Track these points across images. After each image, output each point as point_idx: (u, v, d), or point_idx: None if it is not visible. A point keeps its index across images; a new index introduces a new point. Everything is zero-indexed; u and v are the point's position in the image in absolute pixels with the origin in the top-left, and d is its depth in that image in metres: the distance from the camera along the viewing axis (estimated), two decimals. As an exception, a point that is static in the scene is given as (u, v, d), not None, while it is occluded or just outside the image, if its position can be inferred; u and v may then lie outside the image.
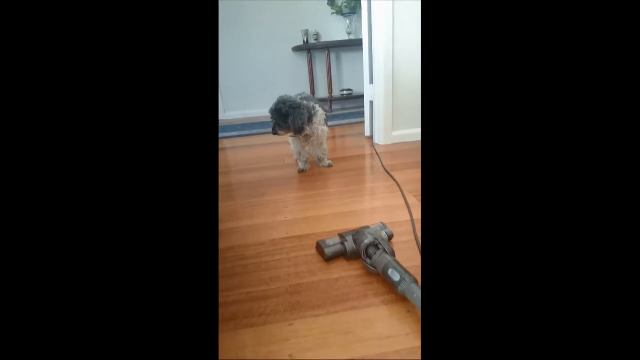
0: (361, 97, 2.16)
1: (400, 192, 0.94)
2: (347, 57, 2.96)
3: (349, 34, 2.75)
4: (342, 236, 0.65)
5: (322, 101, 2.83)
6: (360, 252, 0.60)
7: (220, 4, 2.64)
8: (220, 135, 2.14)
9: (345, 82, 3.03)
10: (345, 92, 2.88)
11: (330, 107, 2.86)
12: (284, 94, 1.08)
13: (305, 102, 1.07)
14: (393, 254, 0.58)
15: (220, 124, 2.73)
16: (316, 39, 2.79)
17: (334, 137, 1.82)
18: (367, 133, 1.70)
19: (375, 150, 1.41)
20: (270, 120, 1.09)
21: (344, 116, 2.49)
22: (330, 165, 1.25)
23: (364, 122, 1.76)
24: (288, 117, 1.02)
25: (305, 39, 2.74)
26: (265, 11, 2.72)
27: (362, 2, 1.52)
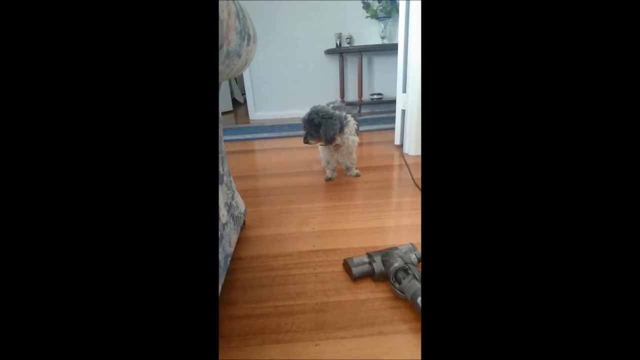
0: (392, 102, 2.12)
1: (430, 210, 0.92)
2: (379, 61, 2.92)
3: (382, 38, 2.71)
4: (370, 255, 0.65)
5: (351, 105, 2.82)
6: (389, 275, 0.59)
7: (255, 5, 2.69)
8: (249, 136, 2.19)
9: (376, 86, 2.99)
10: (375, 97, 2.85)
11: (359, 111, 2.84)
12: (317, 104, 1.09)
13: (337, 112, 1.07)
14: (423, 280, 0.56)
15: (251, 124, 2.80)
16: (349, 43, 2.78)
17: (362, 144, 1.80)
18: (397, 141, 1.67)
19: (405, 161, 1.39)
20: (301, 125, 1.10)
21: (373, 121, 2.47)
22: (357, 175, 1.24)
23: (393, 129, 1.73)
24: (320, 127, 1.02)
25: (338, 42, 2.73)
26: (299, 13, 2.75)
27: (400, 6, 1.49)
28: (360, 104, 2.78)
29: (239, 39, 0.44)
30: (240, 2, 0.49)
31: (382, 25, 2.67)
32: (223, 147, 0.73)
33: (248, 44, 0.54)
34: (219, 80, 0.51)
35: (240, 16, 0.45)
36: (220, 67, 0.41)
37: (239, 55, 0.47)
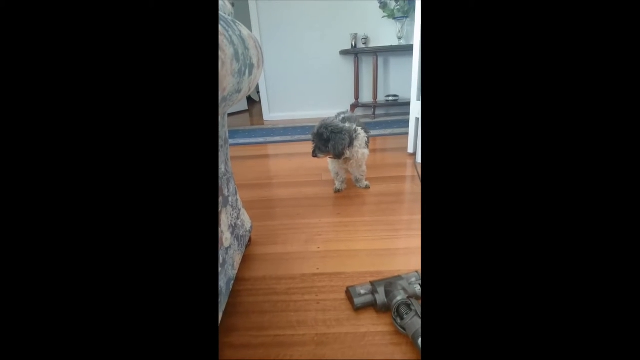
0: (407, 104, 2.06)
1: (440, 230, 0.89)
2: (395, 62, 2.86)
3: (399, 38, 2.64)
4: (373, 285, 0.63)
5: (365, 106, 2.77)
6: (391, 309, 0.58)
7: (271, 4, 2.69)
8: (262, 140, 2.20)
9: (391, 87, 2.93)
10: (390, 98, 2.79)
11: (374, 113, 2.79)
12: (326, 118, 1.07)
13: (347, 124, 1.05)
14: (426, 317, 0.55)
15: (265, 125, 2.81)
16: (365, 43, 2.72)
17: (374, 151, 1.77)
18: (410, 149, 1.64)
19: (418, 172, 1.35)
20: (311, 141, 1.09)
21: (387, 124, 2.42)
22: (367, 187, 1.22)
23: (407, 134, 1.68)
24: (329, 141, 1.01)
25: (353, 42, 2.69)
26: (315, 13, 2.72)
27: (417, 7, 1.44)
28: (375, 105, 2.74)
29: (237, 78, 0.43)
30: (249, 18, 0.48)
31: (399, 26, 2.60)
32: (230, 168, 0.73)
33: (251, 74, 0.53)
34: (219, 113, 0.50)
35: (240, 53, 0.44)
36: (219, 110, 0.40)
37: (239, 91, 0.47)
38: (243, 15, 2.99)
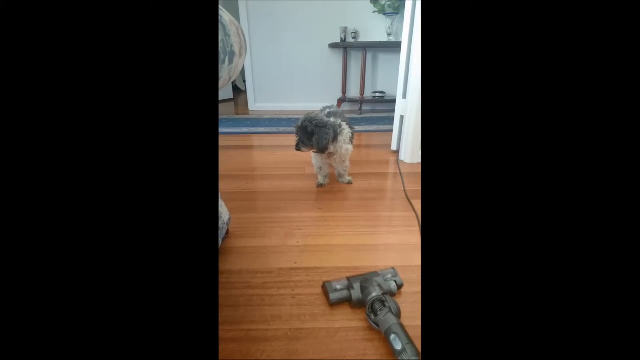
0: (394, 101, 2.06)
1: (419, 229, 0.90)
2: (384, 58, 2.86)
3: (389, 35, 2.64)
4: (349, 280, 0.64)
5: (352, 101, 2.76)
6: (366, 305, 0.58)
7: (262, -6, 2.62)
8: (246, 130, 2.16)
9: (379, 83, 2.94)
10: (377, 95, 2.80)
11: (360, 109, 2.80)
12: (311, 112, 1.06)
13: (332, 119, 1.05)
14: (399, 314, 0.56)
15: (250, 115, 2.76)
16: (354, 37, 2.71)
17: (358, 147, 1.78)
18: (394, 147, 1.65)
19: (400, 170, 1.36)
20: (295, 134, 1.07)
21: (373, 121, 2.43)
22: (350, 182, 1.23)
23: (392, 131, 1.69)
24: (313, 135, 1.00)
25: (343, 36, 2.67)
26: (305, 4, 2.67)
27: (406, 7, 1.43)
28: (361, 101, 2.74)
29: (215, 66, 0.41)
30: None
31: (389, 22, 2.59)
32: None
33: (231, 62, 0.51)
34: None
35: (219, 39, 0.42)
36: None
37: (218, 79, 0.45)
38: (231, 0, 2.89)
